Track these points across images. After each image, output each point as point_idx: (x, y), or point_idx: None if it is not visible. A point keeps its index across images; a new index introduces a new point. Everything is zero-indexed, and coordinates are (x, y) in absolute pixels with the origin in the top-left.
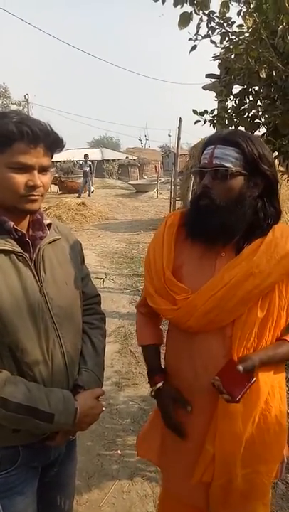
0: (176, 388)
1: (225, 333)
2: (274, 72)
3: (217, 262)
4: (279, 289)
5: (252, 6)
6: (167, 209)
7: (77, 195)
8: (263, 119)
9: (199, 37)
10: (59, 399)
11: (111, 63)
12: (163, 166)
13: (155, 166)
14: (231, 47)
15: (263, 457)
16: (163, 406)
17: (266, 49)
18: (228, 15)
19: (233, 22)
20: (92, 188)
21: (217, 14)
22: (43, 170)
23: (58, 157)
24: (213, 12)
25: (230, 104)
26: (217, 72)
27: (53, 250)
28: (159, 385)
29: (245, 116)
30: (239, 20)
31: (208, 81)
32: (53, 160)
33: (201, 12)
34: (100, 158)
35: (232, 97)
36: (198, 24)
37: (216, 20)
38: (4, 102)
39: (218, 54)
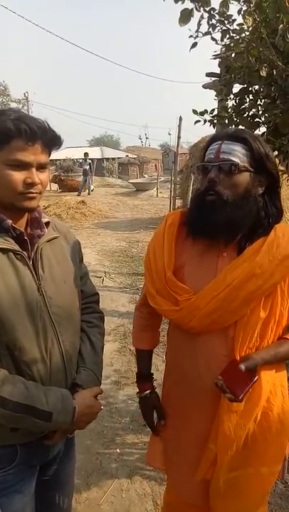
0: (159, 399)
1: (227, 334)
2: (274, 71)
3: (219, 262)
4: (281, 289)
5: (252, 5)
6: (167, 208)
7: (77, 193)
8: (263, 118)
9: (200, 34)
10: (57, 397)
11: (111, 61)
12: (163, 164)
13: (155, 165)
14: (232, 45)
15: (264, 456)
16: (145, 411)
17: (266, 48)
18: (228, 12)
19: (234, 20)
20: (92, 187)
21: (218, 11)
22: (41, 167)
23: (57, 155)
24: (214, 9)
25: (230, 103)
26: (217, 70)
27: (51, 249)
28: (146, 393)
29: (245, 115)
30: (240, 19)
31: (209, 80)
32: (52, 158)
33: (201, 9)
34: (100, 157)
35: (232, 96)
36: (199, 21)
37: (217, 17)
38: (4, 100)
39: (219, 52)
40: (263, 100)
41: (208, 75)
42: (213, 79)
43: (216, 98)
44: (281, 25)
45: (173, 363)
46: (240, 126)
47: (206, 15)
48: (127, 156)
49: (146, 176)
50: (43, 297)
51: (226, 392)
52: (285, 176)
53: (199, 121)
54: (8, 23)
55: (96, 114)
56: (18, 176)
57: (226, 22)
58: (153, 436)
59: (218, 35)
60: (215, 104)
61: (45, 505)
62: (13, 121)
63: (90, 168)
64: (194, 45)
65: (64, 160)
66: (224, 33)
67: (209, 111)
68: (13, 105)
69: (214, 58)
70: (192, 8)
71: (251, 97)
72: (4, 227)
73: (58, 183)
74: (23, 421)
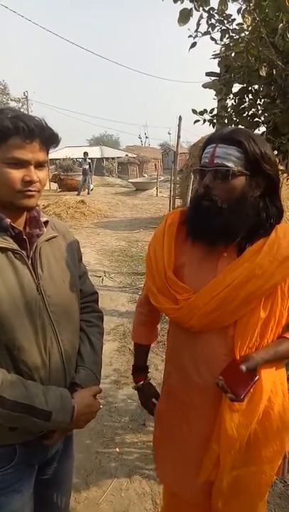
0: (154, 387)
1: (227, 333)
2: (274, 70)
3: (219, 262)
4: (282, 290)
5: (251, 4)
6: (167, 207)
7: (76, 193)
8: (262, 118)
9: (199, 34)
10: (56, 397)
11: (111, 61)
12: (163, 164)
13: (155, 164)
14: (231, 44)
15: (266, 453)
16: (144, 400)
17: (266, 47)
18: (228, 12)
19: (234, 19)
20: (91, 186)
21: (217, 11)
22: (39, 165)
23: (57, 155)
24: (213, 9)
25: (229, 102)
26: (217, 70)
27: (50, 248)
28: (141, 383)
29: (245, 114)
30: (239, 18)
31: (208, 79)
32: (52, 157)
33: (201, 9)
34: (100, 156)
35: (232, 95)
36: (198, 21)
37: (216, 17)
38: (3, 99)
39: (218, 52)
40: (262, 100)
41: (208, 74)
42: (213, 78)
43: (216, 97)
44: (281, 25)
45: (173, 362)
46: (240, 126)
47: (205, 14)
48: (126, 155)
49: (145, 175)
50: (42, 296)
51: (227, 392)
52: (285, 175)
53: (199, 120)
54: (8, 22)
55: (96, 114)
56: (16, 174)
57: (226, 22)
58: (159, 451)
59: (217, 35)
60: (214, 104)
61: (43, 504)
62: (11, 119)
63: (90, 167)
64: (193, 44)
65: (63, 159)
66: (223, 32)
67: (209, 110)
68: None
69: (214, 58)
70: (191, 8)
71: (251, 97)
72: (3, 226)
73: (57, 182)
74: (22, 420)
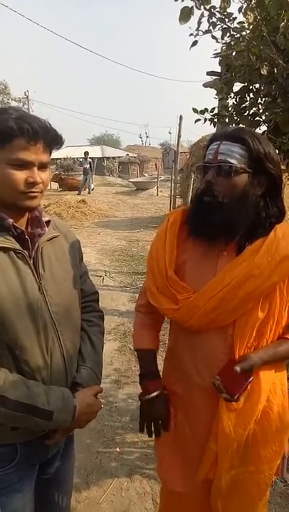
0: (168, 396)
1: (226, 332)
2: (275, 69)
3: (219, 261)
4: (280, 290)
5: (253, 2)
6: (167, 207)
7: (77, 192)
8: (263, 117)
9: (200, 32)
10: (58, 396)
11: (112, 60)
12: (163, 163)
13: (155, 164)
14: (232, 43)
15: (265, 453)
16: (157, 412)
17: (267, 46)
18: (229, 10)
19: (235, 18)
20: (92, 186)
21: (218, 9)
22: (42, 166)
23: (58, 154)
24: (214, 7)
25: (230, 101)
26: (218, 69)
27: (52, 248)
28: (154, 394)
29: (246, 114)
30: (240, 17)
31: (209, 78)
32: (53, 157)
33: (202, 7)
34: (100, 156)
35: (232, 94)
36: (200, 19)
37: (218, 15)
38: (4, 99)
39: (219, 51)
40: (263, 99)
41: (209, 73)
42: (214, 77)
43: (217, 97)
44: (282, 23)
45: (173, 361)
46: (241, 125)
47: (206, 13)
48: (127, 155)
49: (146, 174)
50: (44, 296)
51: (222, 392)
52: (286, 174)
53: (200, 119)
54: (8, 22)
55: (96, 113)
56: (19, 176)
57: (227, 20)
58: (160, 448)
59: (218, 34)
60: (215, 103)
61: (44, 504)
62: (15, 120)
63: (91, 167)
64: (194, 43)
65: (64, 159)
66: (225, 31)
67: (210, 109)
68: (14, 104)
69: (215, 57)
70: (192, 6)
71: (252, 96)
72: (5, 226)
73: (58, 182)
74: (24, 420)
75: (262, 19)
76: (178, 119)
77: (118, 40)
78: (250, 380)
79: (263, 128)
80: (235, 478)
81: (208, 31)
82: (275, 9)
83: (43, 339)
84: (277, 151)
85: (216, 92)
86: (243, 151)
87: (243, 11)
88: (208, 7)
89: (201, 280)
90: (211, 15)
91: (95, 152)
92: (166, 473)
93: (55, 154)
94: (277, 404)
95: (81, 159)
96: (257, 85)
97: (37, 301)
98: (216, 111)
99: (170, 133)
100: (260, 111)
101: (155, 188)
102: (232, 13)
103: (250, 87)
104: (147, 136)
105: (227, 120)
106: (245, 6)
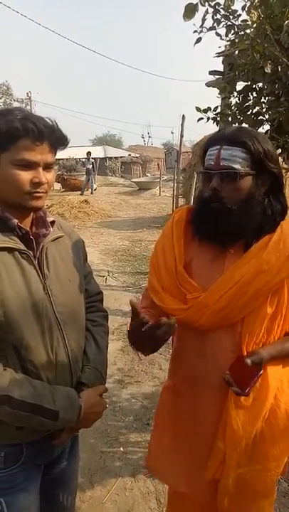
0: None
1: (235, 329)
2: (279, 67)
3: (226, 259)
4: (288, 285)
5: (257, 0)
6: (170, 206)
7: (79, 192)
8: (266, 116)
9: (204, 29)
10: (64, 396)
11: (114, 60)
12: (166, 163)
13: (158, 164)
14: (236, 41)
15: (272, 453)
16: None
17: (271, 44)
18: (233, 7)
19: (239, 15)
20: (94, 186)
21: (222, 6)
22: (47, 167)
23: (60, 155)
24: (218, 4)
25: (233, 100)
26: (221, 68)
27: (57, 248)
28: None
29: (249, 113)
30: (244, 15)
31: (212, 78)
32: (55, 158)
33: (206, 4)
34: (103, 156)
35: (235, 93)
36: (204, 16)
37: (222, 12)
38: (7, 100)
39: (222, 50)
40: (266, 98)
41: (212, 72)
42: (217, 77)
43: (219, 96)
44: (286, 21)
45: (180, 360)
46: (244, 124)
47: (210, 10)
48: (129, 155)
49: (148, 174)
50: (49, 296)
51: (232, 385)
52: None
53: (202, 118)
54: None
55: (99, 113)
56: (25, 176)
57: (231, 17)
58: (155, 439)
59: (222, 31)
60: (218, 103)
61: (49, 503)
62: (21, 120)
63: (93, 167)
64: (198, 40)
65: (67, 159)
66: (229, 28)
67: (212, 108)
68: (16, 105)
69: (218, 56)
70: (197, 3)
71: (255, 95)
72: (10, 226)
73: (60, 182)
74: (29, 420)
75: (266, 17)
76: (180, 119)
77: (120, 39)
78: (260, 373)
79: (266, 127)
80: (243, 476)
81: (212, 28)
82: (279, 7)
83: (48, 339)
84: (280, 150)
85: (218, 91)
86: (245, 154)
87: (246, 9)
88: (212, 3)
89: (208, 279)
90: (216, 11)
91: (98, 152)
92: (169, 476)
93: (58, 155)
94: (285, 401)
95: (83, 159)
96: (260, 84)
97: (42, 301)
98: (218, 110)
99: (172, 133)
100: (264, 110)
101: (157, 188)
102: (236, 10)
103: (254, 86)
104: (149, 136)
105: (230, 119)
106: (248, 4)
